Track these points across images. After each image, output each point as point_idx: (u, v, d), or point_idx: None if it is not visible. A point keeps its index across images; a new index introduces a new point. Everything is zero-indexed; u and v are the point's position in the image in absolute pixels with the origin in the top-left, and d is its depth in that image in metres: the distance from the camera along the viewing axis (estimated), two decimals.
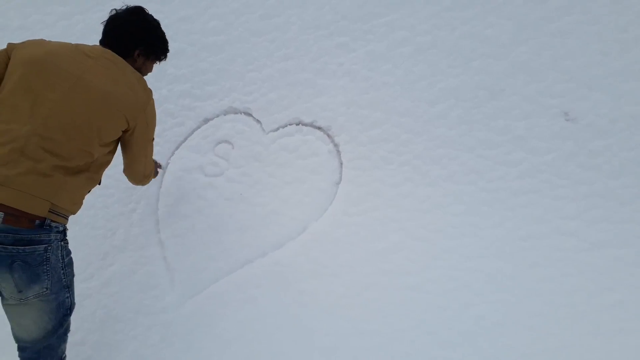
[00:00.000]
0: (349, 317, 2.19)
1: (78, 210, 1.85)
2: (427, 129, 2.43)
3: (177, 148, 2.73)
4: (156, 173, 2.46)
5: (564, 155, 2.23)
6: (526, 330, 2.01)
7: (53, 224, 1.69)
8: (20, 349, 1.79)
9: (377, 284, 2.23)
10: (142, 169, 2.10)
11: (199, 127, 2.74)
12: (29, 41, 1.82)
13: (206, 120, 2.73)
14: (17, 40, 3.18)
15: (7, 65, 1.74)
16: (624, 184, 2.13)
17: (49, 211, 1.65)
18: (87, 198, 1.98)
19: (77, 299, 1.99)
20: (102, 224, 2.64)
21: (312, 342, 2.17)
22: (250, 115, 2.71)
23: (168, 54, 2.13)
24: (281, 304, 2.30)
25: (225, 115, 2.75)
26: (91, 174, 1.82)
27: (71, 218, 1.87)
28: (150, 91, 1.95)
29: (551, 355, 1.94)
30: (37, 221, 1.63)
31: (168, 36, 2.10)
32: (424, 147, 2.41)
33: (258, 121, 2.70)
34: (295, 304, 2.28)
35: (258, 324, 2.28)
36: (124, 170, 2.10)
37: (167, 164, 2.70)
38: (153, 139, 2.07)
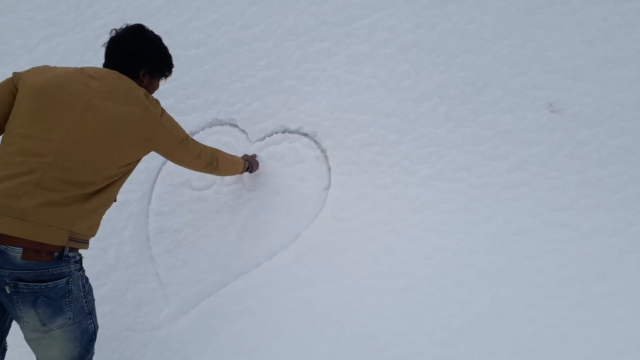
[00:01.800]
0: (346, 322, 2.24)
1: (96, 232, 1.87)
2: (414, 128, 2.49)
3: (164, 163, 2.80)
4: (251, 166, 2.52)
5: (551, 146, 2.27)
6: (524, 324, 2.04)
7: (71, 254, 1.70)
8: None
9: (372, 287, 2.28)
10: (199, 163, 2.14)
11: None
12: (34, 69, 1.82)
13: (192, 134, 2.80)
14: (0, 66, 3.31)
15: (14, 95, 1.75)
16: (613, 172, 2.17)
17: (69, 239, 1.67)
18: None
19: None
20: (93, 244, 2.69)
21: (310, 349, 2.22)
22: (235, 126, 2.79)
23: (173, 68, 2.13)
24: (278, 313, 2.35)
25: (210, 127, 2.83)
26: (108, 194, 1.83)
27: None
28: (157, 101, 1.96)
29: (550, 346, 1.98)
30: (56, 253, 1.65)
31: None
32: (411, 146, 2.47)
33: (243, 131, 2.77)
34: (292, 313, 2.34)
35: (255, 335, 2.33)
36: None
37: (155, 179, 2.79)
38: (186, 136, 2.06)
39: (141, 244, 2.68)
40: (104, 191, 1.79)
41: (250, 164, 2.52)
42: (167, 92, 2.90)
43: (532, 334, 2.03)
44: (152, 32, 2.00)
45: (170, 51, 2.10)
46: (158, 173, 2.82)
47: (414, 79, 2.55)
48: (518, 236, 2.20)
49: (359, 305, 2.27)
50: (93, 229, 1.84)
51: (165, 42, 2.07)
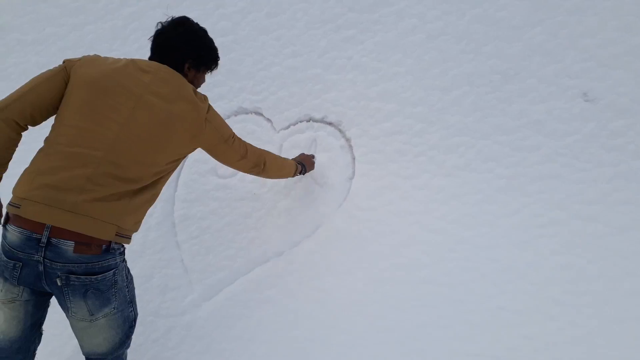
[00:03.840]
0: (365, 313, 2.28)
1: (139, 227, 1.92)
2: (441, 117, 2.49)
3: None
4: (304, 168, 2.50)
5: (584, 137, 2.24)
6: (547, 320, 2.04)
7: (116, 246, 1.78)
8: None
9: (393, 279, 2.31)
10: (245, 164, 2.15)
11: None
12: (86, 58, 1.85)
13: None
14: (33, 54, 3.47)
15: (67, 83, 1.78)
16: None
17: (115, 234, 1.73)
18: None
19: None
20: None
21: (329, 339, 2.26)
22: (260, 114, 2.85)
23: (219, 61, 2.11)
24: (298, 302, 2.41)
25: (235, 115, 2.89)
26: (154, 190, 1.89)
27: None
28: (206, 97, 1.98)
29: (574, 344, 1.97)
30: (104, 246, 1.72)
31: None
32: (439, 136, 2.47)
33: (269, 120, 2.83)
34: (312, 302, 2.39)
35: (276, 323, 2.40)
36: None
37: (182, 167, 2.89)
38: (233, 134, 2.07)
39: (167, 230, 2.78)
40: (150, 187, 1.85)
41: (303, 166, 2.51)
42: None
43: (555, 331, 2.02)
44: (197, 24, 2.00)
45: None
46: (184, 161, 2.92)
47: (442, 67, 2.54)
48: (545, 230, 2.19)
49: (379, 296, 2.30)
50: (137, 225, 1.89)
51: None
